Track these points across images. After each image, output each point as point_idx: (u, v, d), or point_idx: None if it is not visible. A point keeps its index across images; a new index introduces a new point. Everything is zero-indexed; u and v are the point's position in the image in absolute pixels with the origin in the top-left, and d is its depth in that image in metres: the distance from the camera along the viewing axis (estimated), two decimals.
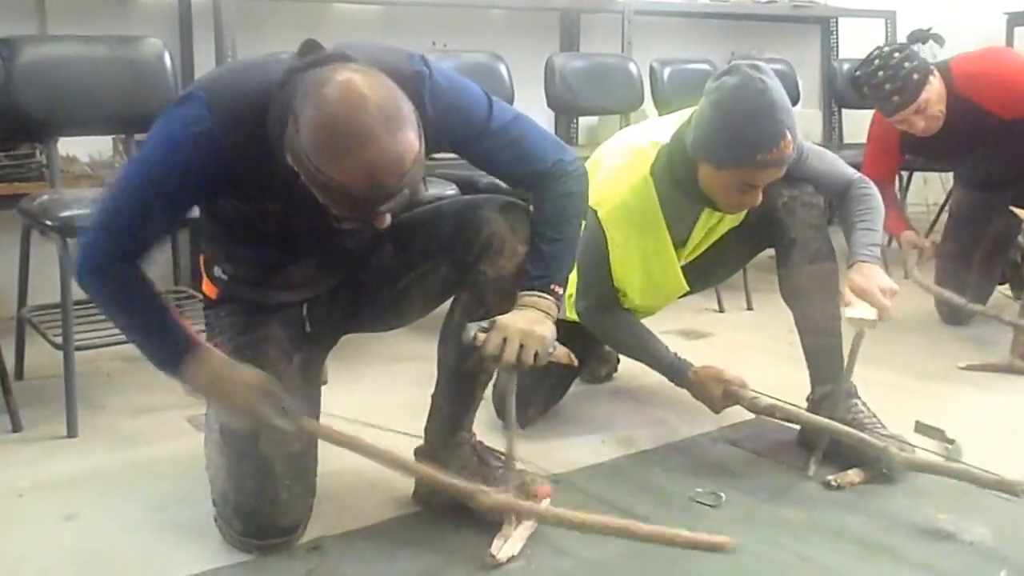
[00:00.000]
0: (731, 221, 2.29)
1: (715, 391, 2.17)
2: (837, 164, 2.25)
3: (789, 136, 1.97)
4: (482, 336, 1.70)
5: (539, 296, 1.74)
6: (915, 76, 2.80)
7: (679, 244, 2.28)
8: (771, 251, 2.29)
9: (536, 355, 1.69)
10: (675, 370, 2.23)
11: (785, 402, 2.09)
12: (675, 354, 2.25)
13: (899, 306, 2.06)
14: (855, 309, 2.04)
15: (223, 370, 1.69)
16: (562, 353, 1.77)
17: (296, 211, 1.65)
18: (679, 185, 2.15)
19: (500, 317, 1.71)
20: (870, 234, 2.14)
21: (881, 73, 2.81)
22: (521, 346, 1.68)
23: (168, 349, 1.68)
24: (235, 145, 1.58)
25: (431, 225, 1.85)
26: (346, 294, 1.91)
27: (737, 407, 2.20)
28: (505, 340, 1.68)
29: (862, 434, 2.00)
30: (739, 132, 1.98)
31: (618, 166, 2.20)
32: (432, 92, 1.68)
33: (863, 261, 2.09)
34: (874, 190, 2.20)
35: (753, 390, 2.16)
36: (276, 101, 1.54)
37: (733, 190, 2.07)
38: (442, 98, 1.70)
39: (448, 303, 1.91)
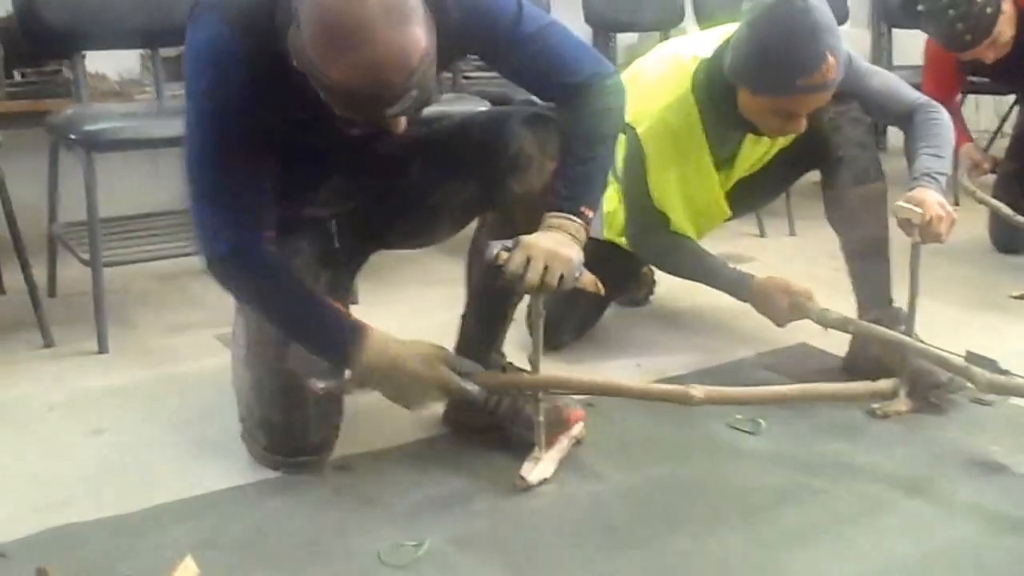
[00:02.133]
0: (778, 147, 2.20)
1: (781, 303, 2.04)
2: (900, 86, 2.13)
3: (832, 59, 1.87)
4: (505, 255, 1.62)
5: (567, 218, 1.65)
6: (988, 10, 2.63)
7: (724, 166, 2.19)
8: (814, 175, 2.21)
9: (561, 278, 1.60)
10: (736, 283, 2.11)
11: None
12: (735, 267, 2.15)
13: (949, 234, 1.96)
14: (904, 204, 1.93)
15: (397, 348, 1.60)
16: (588, 280, 1.69)
17: (316, 121, 1.57)
18: (719, 107, 2.06)
19: (525, 236, 1.63)
20: (935, 160, 2.00)
21: (952, 12, 2.63)
22: (545, 268, 1.59)
23: (335, 336, 1.60)
24: (256, 55, 1.51)
25: (458, 140, 1.78)
26: (374, 210, 1.85)
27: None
28: (529, 260, 1.59)
29: (942, 352, 1.86)
30: (777, 56, 1.89)
31: (659, 80, 2.11)
32: None
33: (923, 185, 1.96)
34: (944, 116, 2.07)
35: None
36: (281, 2, 1.47)
37: (773, 117, 1.99)
38: None
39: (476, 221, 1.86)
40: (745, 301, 2.11)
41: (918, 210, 1.90)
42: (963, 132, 2.97)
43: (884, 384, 1.90)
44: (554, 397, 1.78)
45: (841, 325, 1.99)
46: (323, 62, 1.38)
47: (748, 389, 1.80)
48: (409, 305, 2.66)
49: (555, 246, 1.61)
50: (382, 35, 1.36)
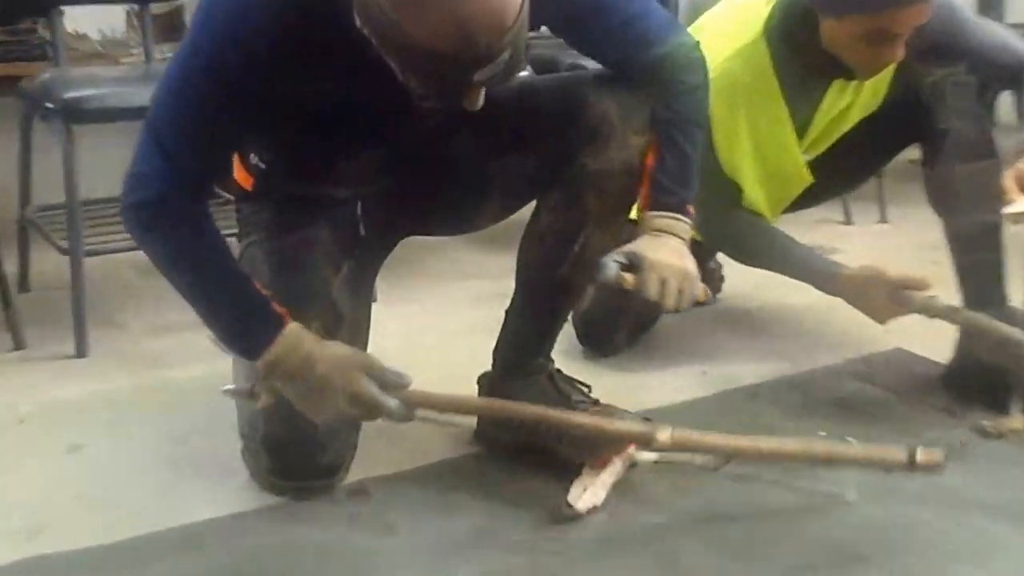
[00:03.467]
0: (863, 108, 2.17)
1: (878, 296, 2.01)
2: (1009, 38, 2.10)
3: None
4: (630, 278, 1.64)
5: (676, 219, 1.68)
6: None
7: (798, 131, 2.16)
8: (910, 152, 2.18)
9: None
10: (823, 274, 2.09)
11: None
12: (820, 256, 2.13)
13: None
14: (1017, 204, 1.87)
15: (312, 346, 1.58)
16: (700, 290, 1.74)
17: (359, 91, 1.56)
18: (799, 49, 2.04)
19: (640, 249, 1.65)
20: None
21: None
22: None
23: (253, 327, 1.58)
24: (301, 10, 1.49)
25: (520, 105, 1.74)
26: (410, 189, 1.81)
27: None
28: (664, 282, 1.63)
29: None
30: None
31: (724, 26, 2.10)
32: None
33: None
34: None
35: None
36: None
37: (866, 45, 1.95)
38: None
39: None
40: (833, 295, 2.08)
41: None
42: None
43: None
44: (610, 409, 1.77)
45: (949, 315, 1.96)
46: (406, 19, 1.35)
47: (735, 438, 1.66)
48: (437, 301, 2.65)
49: (679, 260, 1.65)
50: None
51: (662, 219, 1.68)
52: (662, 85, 1.69)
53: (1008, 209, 1.89)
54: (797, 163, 2.17)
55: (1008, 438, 1.89)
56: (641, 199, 1.73)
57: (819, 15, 1.97)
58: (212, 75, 1.51)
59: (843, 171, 2.31)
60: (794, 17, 2.02)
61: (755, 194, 2.15)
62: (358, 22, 1.41)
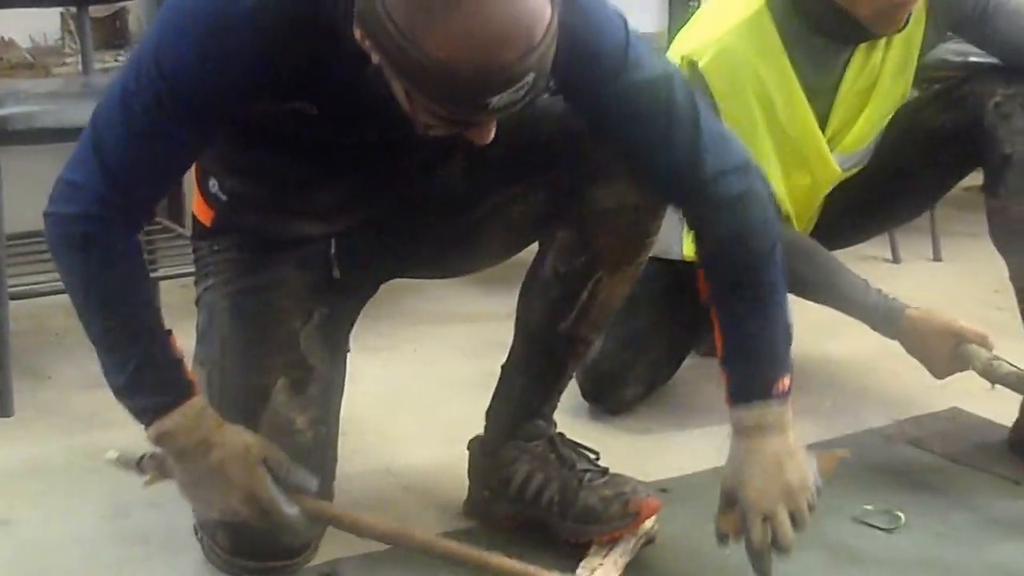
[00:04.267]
0: (890, 92, 2.21)
1: (941, 347, 2.05)
2: None
3: None
4: (727, 524, 1.67)
5: (766, 409, 1.66)
6: None
7: (821, 115, 2.19)
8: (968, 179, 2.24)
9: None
10: (881, 313, 2.11)
11: None
12: (878, 290, 2.15)
13: None
14: None
15: (213, 429, 1.60)
16: (829, 463, 1.76)
17: (341, 112, 1.59)
18: (807, 13, 2.08)
19: (734, 484, 1.67)
20: None
21: None
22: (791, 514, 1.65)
23: (154, 387, 1.59)
24: (287, 23, 1.49)
25: (523, 132, 1.72)
26: (393, 226, 1.84)
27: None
28: (769, 523, 1.64)
29: None
30: None
31: (720, 6, 2.15)
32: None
33: None
34: None
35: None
36: None
37: None
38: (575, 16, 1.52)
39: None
40: (892, 339, 2.11)
41: None
42: None
43: None
44: (621, 479, 1.79)
45: (1014, 383, 1.98)
46: (419, 31, 1.33)
47: None
48: (421, 350, 2.68)
49: (780, 476, 1.65)
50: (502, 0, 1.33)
51: (748, 414, 1.67)
52: (707, 223, 1.66)
53: None
54: (818, 145, 2.19)
55: None
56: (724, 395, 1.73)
57: None
58: (171, 94, 1.51)
59: (892, 200, 2.35)
60: None
61: (779, 189, 2.13)
62: (358, 35, 1.41)
